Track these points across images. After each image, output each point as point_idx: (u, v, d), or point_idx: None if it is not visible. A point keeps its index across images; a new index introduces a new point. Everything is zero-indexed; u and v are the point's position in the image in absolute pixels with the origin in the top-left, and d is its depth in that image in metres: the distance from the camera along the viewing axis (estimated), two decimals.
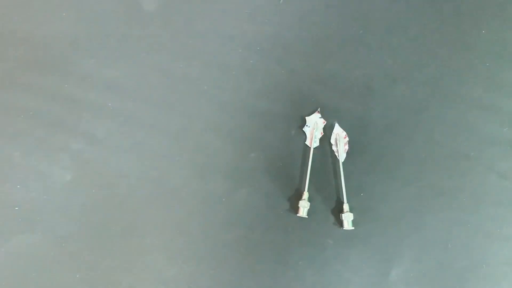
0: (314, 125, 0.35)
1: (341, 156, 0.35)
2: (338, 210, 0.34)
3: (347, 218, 0.34)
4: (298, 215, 0.34)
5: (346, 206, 0.34)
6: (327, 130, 0.35)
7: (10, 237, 0.34)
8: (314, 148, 0.35)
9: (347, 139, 0.35)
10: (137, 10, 0.37)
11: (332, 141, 0.35)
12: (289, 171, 0.35)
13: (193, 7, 0.37)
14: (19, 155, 0.35)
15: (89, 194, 0.34)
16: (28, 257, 0.34)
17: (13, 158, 0.35)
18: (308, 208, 0.34)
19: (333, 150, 0.35)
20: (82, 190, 0.34)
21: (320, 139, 0.35)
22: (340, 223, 0.34)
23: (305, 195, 0.34)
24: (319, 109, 0.35)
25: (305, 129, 0.35)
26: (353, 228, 0.34)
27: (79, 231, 0.34)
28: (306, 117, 0.35)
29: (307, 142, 0.35)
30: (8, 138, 0.35)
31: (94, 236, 0.34)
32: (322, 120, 0.35)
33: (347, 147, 0.35)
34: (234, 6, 0.37)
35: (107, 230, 0.34)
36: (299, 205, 0.34)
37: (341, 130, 0.35)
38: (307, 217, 0.34)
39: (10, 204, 0.34)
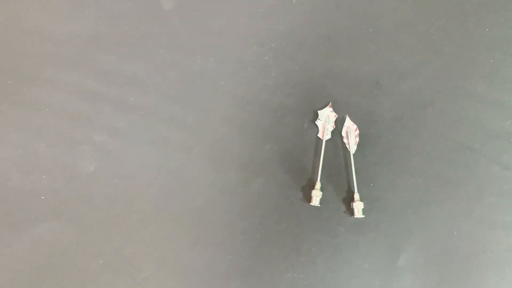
0: (326, 118, 0.37)
1: (352, 148, 0.36)
2: (349, 199, 0.36)
3: (358, 207, 0.35)
4: (311, 204, 0.35)
5: (356, 196, 0.35)
6: (339, 123, 0.37)
7: (37, 224, 0.36)
8: (326, 141, 0.37)
9: (357, 132, 0.37)
10: (156, 8, 0.38)
11: (343, 133, 0.37)
12: (302, 162, 0.36)
13: (209, 6, 0.39)
14: (45, 147, 0.36)
15: (111, 184, 0.36)
16: (53, 244, 0.36)
17: (39, 150, 0.36)
18: (321, 197, 0.35)
19: (344, 143, 0.37)
20: (104, 180, 0.36)
21: (332, 132, 0.37)
22: (350, 211, 0.36)
23: (318, 185, 0.36)
24: (330, 103, 0.37)
25: (317, 122, 0.37)
26: (363, 216, 0.35)
27: (102, 219, 0.36)
28: (318, 111, 0.37)
29: (319, 135, 0.37)
30: (34, 131, 0.36)
31: (116, 224, 0.36)
32: (334, 113, 0.37)
33: (357, 139, 0.37)
34: (248, 5, 0.39)
35: (128, 218, 0.36)
36: (312, 195, 0.35)
37: (352, 123, 0.37)
38: (319, 205, 0.35)
39: (36, 193, 0.36)
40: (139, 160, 0.36)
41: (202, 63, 0.38)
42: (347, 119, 0.37)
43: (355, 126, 0.37)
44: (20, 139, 0.36)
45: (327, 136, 0.37)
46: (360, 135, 0.37)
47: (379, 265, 0.36)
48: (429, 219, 0.36)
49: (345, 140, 0.37)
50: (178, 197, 0.36)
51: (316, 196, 0.35)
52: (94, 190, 0.36)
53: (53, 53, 0.37)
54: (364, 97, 0.37)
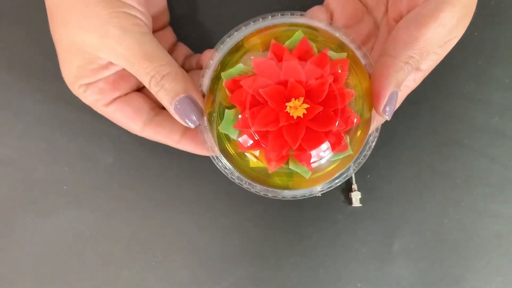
0: None
1: None
2: (347, 190, 0.39)
3: (355, 196, 0.38)
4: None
5: (354, 186, 0.38)
6: None
7: (60, 212, 0.38)
8: None
9: None
10: None
11: None
12: None
13: None
14: (67, 140, 0.39)
15: (128, 174, 0.39)
16: (75, 230, 0.38)
17: (61, 143, 0.39)
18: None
19: None
20: (122, 171, 0.39)
21: None
22: (349, 201, 0.39)
23: None
24: None
25: None
26: (360, 205, 0.38)
27: (119, 207, 0.39)
28: None
29: None
30: (57, 125, 0.39)
31: (132, 211, 0.39)
32: None
33: None
34: None
35: (143, 205, 0.39)
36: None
37: None
38: (320, 195, 0.38)
39: (59, 183, 0.39)
40: (152, 152, 0.39)
41: None
42: None
43: None
44: (44, 133, 0.39)
45: None
46: None
47: (375, 250, 0.39)
48: (422, 208, 0.39)
49: None
50: (189, 186, 0.39)
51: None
52: (113, 180, 0.39)
53: None
54: None
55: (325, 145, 0.28)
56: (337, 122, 0.27)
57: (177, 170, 0.39)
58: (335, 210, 0.39)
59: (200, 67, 0.36)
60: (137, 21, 0.29)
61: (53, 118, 0.39)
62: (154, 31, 0.35)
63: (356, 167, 0.31)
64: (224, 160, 0.31)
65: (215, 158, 0.31)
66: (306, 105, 0.27)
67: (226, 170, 0.31)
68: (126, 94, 0.32)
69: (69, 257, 0.38)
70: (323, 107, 0.27)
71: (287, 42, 0.29)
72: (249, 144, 0.28)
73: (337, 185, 0.32)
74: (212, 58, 0.31)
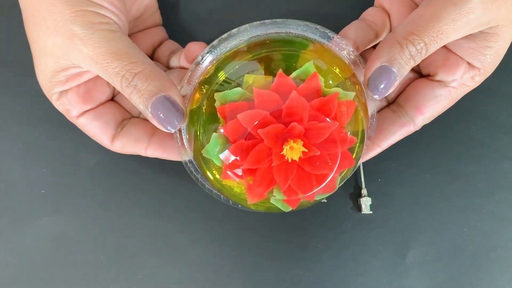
0: None
1: None
2: (356, 195, 0.35)
3: (365, 203, 0.34)
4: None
5: (364, 191, 0.35)
6: None
7: (37, 219, 0.35)
8: None
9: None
10: None
11: None
12: None
13: None
14: (45, 139, 0.36)
15: (113, 177, 0.35)
16: (54, 239, 0.35)
17: (39, 142, 0.36)
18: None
19: None
20: (107, 173, 0.35)
21: None
22: (358, 207, 0.35)
23: None
24: None
25: None
26: (371, 212, 0.34)
27: (103, 214, 0.35)
28: None
29: None
30: (35, 123, 0.36)
31: (118, 219, 0.35)
32: None
33: None
34: None
35: (130, 212, 0.35)
36: None
37: None
38: (326, 201, 0.35)
39: (37, 187, 0.35)
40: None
41: None
42: None
43: None
44: (20, 131, 0.35)
45: None
46: None
47: (387, 262, 0.35)
48: (439, 215, 0.35)
49: None
50: (182, 192, 0.35)
51: None
52: (96, 185, 0.35)
53: None
54: None
55: (316, 188, 0.27)
56: (332, 167, 0.26)
57: (168, 173, 0.36)
58: (342, 218, 0.35)
59: (184, 65, 0.32)
60: (105, 19, 0.27)
61: (30, 115, 0.36)
62: (142, 30, 0.33)
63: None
64: (196, 169, 0.29)
65: (188, 163, 0.29)
66: (303, 149, 0.25)
67: (197, 175, 0.29)
68: (97, 106, 0.30)
69: (48, 268, 0.35)
70: (320, 150, 0.26)
71: (295, 73, 0.26)
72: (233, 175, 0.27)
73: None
74: (203, 55, 0.28)
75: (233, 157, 0.26)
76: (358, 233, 0.35)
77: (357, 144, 0.28)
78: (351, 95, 0.27)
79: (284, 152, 0.25)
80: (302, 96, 0.25)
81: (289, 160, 0.25)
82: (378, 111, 0.31)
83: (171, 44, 0.34)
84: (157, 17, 0.34)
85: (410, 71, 0.32)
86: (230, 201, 0.29)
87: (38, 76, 0.29)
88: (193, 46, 0.31)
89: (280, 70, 0.26)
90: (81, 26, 0.26)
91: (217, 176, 0.28)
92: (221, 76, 0.27)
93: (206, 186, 0.29)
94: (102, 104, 0.30)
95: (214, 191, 0.29)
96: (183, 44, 0.34)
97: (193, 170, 0.29)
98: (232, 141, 0.25)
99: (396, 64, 0.27)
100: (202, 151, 0.26)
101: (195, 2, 0.36)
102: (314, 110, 0.26)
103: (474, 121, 0.36)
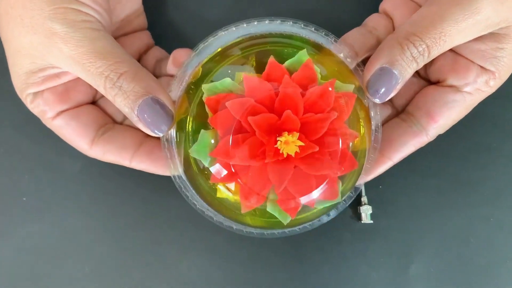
0: None
1: None
2: (356, 203, 0.33)
3: (365, 211, 0.32)
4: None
5: (364, 199, 0.33)
6: None
7: (17, 228, 0.33)
8: None
9: None
10: None
11: None
12: None
13: None
14: (27, 144, 0.34)
15: (99, 184, 0.34)
16: (35, 249, 0.33)
17: (20, 147, 0.34)
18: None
19: None
20: (92, 180, 0.34)
21: None
22: (358, 216, 0.33)
23: None
24: None
25: None
26: (371, 221, 0.33)
27: (88, 223, 0.33)
28: None
29: None
30: (16, 126, 0.34)
31: (103, 228, 0.33)
32: None
33: None
34: None
35: (116, 222, 0.33)
36: None
37: None
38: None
39: (17, 194, 0.33)
40: None
41: None
42: None
43: None
44: (0, 135, 0.34)
45: None
46: None
47: (388, 274, 0.33)
48: (443, 224, 0.33)
49: None
50: (170, 200, 0.33)
51: None
52: (81, 191, 0.34)
53: None
54: None
55: (315, 192, 0.24)
56: (333, 167, 0.24)
57: (157, 180, 0.33)
58: (341, 227, 0.33)
59: (169, 73, 0.31)
60: (88, 17, 0.25)
61: (11, 118, 0.34)
62: (127, 33, 0.31)
63: (336, 210, 0.27)
64: (187, 183, 0.27)
65: (177, 177, 0.26)
66: (300, 143, 0.23)
67: (187, 193, 0.26)
68: (76, 107, 0.28)
69: (28, 280, 0.33)
70: (319, 147, 0.23)
71: (287, 62, 0.24)
72: (223, 175, 0.24)
73: (314, 227, 0.28)
74: (189, 59, 0.26)
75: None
76: (358, 244, 0.33)
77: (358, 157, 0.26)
78: (350, 87, 0.25)
79: (278, 145, 0.23)
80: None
81: (285, 155, 0.23)
82: (386, 122, 0.29)
83: (158, 51, 0.32)
84: (142, 20, 0.32)
85: (418, 78, 0.30)
86: (221, 216, 0.27)
87: (12, 77, 0.27)
88: (179, 53, 0.29)
89: (272, 57, 0.24)
90: (61, 24, 0.24)
91: (209, 189, 0.26)
92: (209, 77, 0.25)
93: (197, 205, 0.27)
94: (81, 105, 0.28)
95: (205, 211, 0.27)
96: (169, 48, 0.32)
97: (182, 186, 0.27)
98: (221, 135, 0.23)
99: (397, 66, 0.25)
100: (190, 151, 0.24)
101: (182, 3, 0.34)
102: (310, 100, 0.23)
103: (480, 124, 0.34)
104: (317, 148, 0.23)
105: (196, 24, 0.34)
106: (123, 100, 0.24)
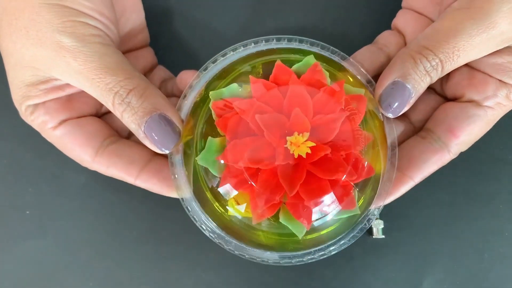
0: None
1: None
2: None
3: (377, 226, 0.32)
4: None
5: None
6: None
7: (20, 242, 0.32)
8: None
9: None
10: None
11: None
12: None
13: None
14: (31, 156, 0.33)
15: (104, 197, 0.33)
16: (38, 264, 0.32)
17: (24, 159, 0.33)
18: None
19: None
20: (96, 193, 0.33)
21: None
22: (369, 231, 0.32)
23: None
24: None
25: None
26: (383, 236, 0.32)
27: (93, 237, 0.33)
28: None
29: None
30: (20, 139, 0.33)
31: (108, 242, 0.33)
32: None
33: None
34: None
35: (122, 236, 0.33)
36: None
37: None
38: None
39: (20, 207, 0.33)
40: None
41: None
42: None
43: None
44: (3, 147, 0.33)
45: None
46: None
47: None
48: (457, 239, 0.32)
49: None
50: (176, 215, 0.32)
51: None
52: (85, 205, 0.33)
53: None
54: None
55: (329, 198, 0.23)
56: (347, 170, 0.23)
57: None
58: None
59: (177, 94, 0.31)
60: (97, 31, 0.25)
61: (15, 130, 0.33)
62: (130, 50, 0.31)
63: (357, 233, 0.26)
64: (195, 205, 0.25)
65: (184, 200, 0.25)
66: (311, 143, 0.22)
67: (195, 217, 0.25)
68: (79, 117, 0.27)
69: None
70: (332, 150, 0.22)
71: (295, 66, 0.24)
72: (231, 183, 0.23)
73: (331, 253, 0.26)
74: (197, 79, 0.26)
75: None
76: (369, 259, 0.32)
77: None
78: (360, 91, 0.24)
79: (287, 145, 0.22)
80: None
81: (295, 156, 0.22)
82: (404, 140, 0.28)
83: (162, 71, 0.32)
84: (145, 35, 0.32)
85: (435, 95, 0.29)
86: (233, 241, 0.26)
87: (12, 89, 0.26)
88: (186, 75, 0.29)
89: (278, 61, 0.24)
90: (70, 37, 0.23)
91: (219, 208, 0.25)
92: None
93: (208, 231, 0.26)
94: (85, 116, 0.28)
95: (215, 237, 0.26)
96: (172, 65, 0.32)
97: (190, 209, 0.26)
98: (229, 139, 0.23)
99: (410, 80, 0.24)
100: (197, 158, 0.24)
101: (185, 19, 0.34)
102: (319, 102, 0.23)
103: (494, 136, 0.33)
104: (329, 150, 0.22)
105: (200, 39, 0.34)
106: (130, 116, 0.24)
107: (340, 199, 0.23)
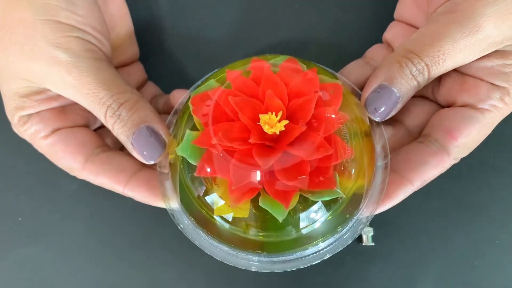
0: None
1: None
2: None
3: (367, 233, 0.32)
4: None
5: None
6: None
7: (12, 249, 0.33)
8: None
9: None
10: None
11: None
12: None
13: None
14: (22, 163, 0.33)
15: (96, 204, 0.33)
16: (31, 270, 0.33)
17: (16, 166, 0.33)
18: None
19: None
20: (89, 200, 0.33)
21: None
22: (358, 238, 0.32)
23: None
24: None
25: None
26: (373, 244, 0.32)
27: (85, 244, 0.33)
28: None
29: None
30: (11, 145, 0.33)
31: (101, 249, 0.33)
32: None
33: None
34: None
35: (114, 242, 0.33)
36: None
37: None
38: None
39: (13, 214, 0.33)
40: None
41: None
42: None
43: None
44: None
45: None
46: None
47: None
48: (448, 246, 0.32)
49: None
50: (169, 221, 0.32)
51: None
52: (77, 211, 0.33)
53: None
54: None
55: (307, 178, 0.22)
56: (325, 149, 0.22)
57: None
58: (341, 250, 0.32)
59: (167, 111, 0.31)
60: (91, 46, 0.26)
61: (5, 136, 0.33)
62: (120, 66, 0.32)
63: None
64: (180, 215, 0.26)
65: (171, 210, 0.26)
66: (285, 122, 0.22)
67: (181, 225, 0.26)
68: (73, 127, 0.28)
69: None
70: (308, 130, 0.22)
71: (271, 61, 0.25)
72: (209, 170, 0.23)
73: (325, 257, 0.26)
74: (187, 96, 0.26)
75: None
76: (358, 267, 0.32)
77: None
78: (337, 81, 0.25)
79: (261, 123, 0.22)
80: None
81: (270, 133, 0.21)
82: (399, 148, 0.28)
83: (152, 88, 0.33)
84: (135, 49, 0.33)
85: (430, 102, 0.29)
86: (223, 247, 0.26)
87: (5, 100, 0.27)
88: (179, 94, 0.30)
89: (255, 57, 0.24)
90: (65, 53, 0.24)
91: (206, 213, 0.25)
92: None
93: (196, 240, 0.26)
94: (78, 126, 0.28)
95: (206, 247, 0.26)
96: (160, 80, 0.33)
97: (177, 218, 0.26)
98: (204, 124, 0.23)
99: (396, 84, 0.24)
100: (176, 149, 0.24)
101: (173, 34, 0.35)
102: (294, 89, 0.23)
103: (485, 143, 0.33)
104: (304, 127, 0.22)
105: (189, 55, 0.34)
106: (120, 128, 0.25)
107: (319, 181, 0.23)
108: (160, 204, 0.27)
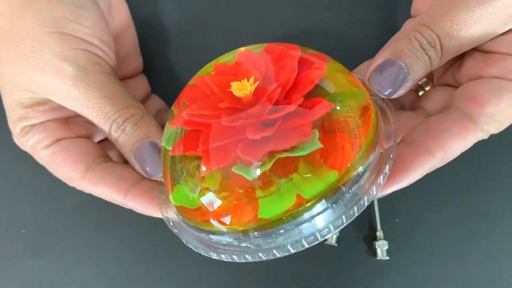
0: None
1: None
2: (371, 238, 0.31)
3: (381, 247, 0.30)
4: (326, 242, 0.31)
5: (379, 233, 0.31)
6: None
7: (15, 261, 0.32)
8: None
9: None
10: None
11: None
12: None
13: None
14: (27, 174, 0.33)
15: (99, 216, 0.32)
16: (34, 283, 0.32)
17: (19, 177, 0.33)
18: (338, 234, 0.31)
19: None
20: (92, 211, 0.32)
21: None
22: (373, 252, 0.31)
23: None
24: None
25: None
26: (387, 258, 0.30)
27: (88, 256, 0.32)
28: None
29: None
30: (15, 156, 0.33)
31: (104, 262, 0.32)
32: None
33: None
34: None
35: (119, 255, 0.32)
36: None
37: None
38: (336, 245, 0.31)
39: (16, 226, 0.32)
40: None
41: None
42: None
43: None
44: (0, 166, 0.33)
45: None
46: None
47: None
48: (465, 260, 0.31)
49: None
50: (172, 234, 0.32)
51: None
52: (81, 223, 0.32)
53: None
54: None
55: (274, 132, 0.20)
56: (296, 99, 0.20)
57: None
58: (355, 264, 0.31)
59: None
60: (98, 60, 0.25)
61: (9, 147, 0.32)
62: (124, 78, 0.31)
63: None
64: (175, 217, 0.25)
65: (169, 219, 0.25)
66: (256, 83, 0.21)
67: (176, 231, 0.25)
68: (76, 137, 0.27)
69: None
70: (286, 91, 0.21)
71: (258, 49, 0.24)
72: (183, 146, 0.22)
73: (325, 237, 0.22)
74: None
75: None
76: (373, 281, 0.31)
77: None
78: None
79: (232, 88, 0.21)
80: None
81: (240, 95, 0.21)
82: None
83: (157, 101, 0.33)
84: (139, 61, 0.32)
85: (453, 88, 0.26)
86: (214, 237, 0.24)
87: (8, 111, 0.26)
88: None
89: (243, 48, 0.24)
90: (72, 66, 0.24)
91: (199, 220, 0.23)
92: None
93: (190, 244, 0.25)
94: (80, 137, 0.27)
95: (202, 251, 0.25)
96: (164, 92, 0.33)
97: (175, 227, 0.25)
98: (178, 100, 0.23)
99: (404, 57, 0.22)
100: (162, 138, 0.24)
101: (177, 46, 0.34)
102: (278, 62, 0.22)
103: (502, 153, 0.32)
104: (279, 89, 0.20)
105: (193, 66, 0.33)
106: (124, 142, 0.25)
107: (295, 132, 0.20)
108: (159, 215, 0.26)
